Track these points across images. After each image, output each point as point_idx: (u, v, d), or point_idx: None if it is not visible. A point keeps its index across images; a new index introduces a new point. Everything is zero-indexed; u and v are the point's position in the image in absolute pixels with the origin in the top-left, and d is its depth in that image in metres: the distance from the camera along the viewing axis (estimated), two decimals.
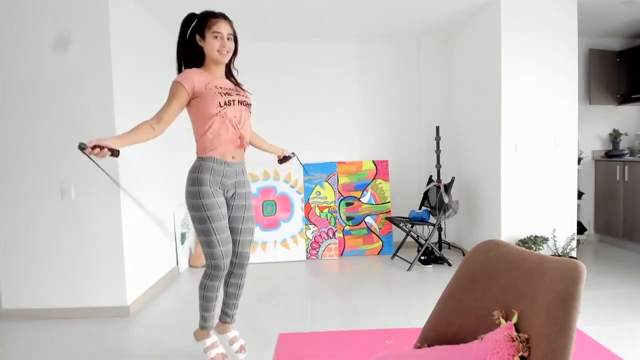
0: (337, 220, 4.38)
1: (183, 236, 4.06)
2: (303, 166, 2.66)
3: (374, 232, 4.44)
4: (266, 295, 3.25)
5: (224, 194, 2.07)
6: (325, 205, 4.39)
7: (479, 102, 3.91)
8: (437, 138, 4.24)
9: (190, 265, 4.16)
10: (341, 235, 4.41)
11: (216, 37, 1.98)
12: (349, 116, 4.57)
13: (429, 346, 1.40)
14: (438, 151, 4.22)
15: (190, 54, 2.06)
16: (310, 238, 4.34)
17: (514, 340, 1.10)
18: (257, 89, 4.53)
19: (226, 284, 2.26)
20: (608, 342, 2.30)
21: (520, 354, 1.08)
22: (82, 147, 1.57)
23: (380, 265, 4.03)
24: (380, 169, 4.50)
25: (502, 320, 1.19)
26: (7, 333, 2.69)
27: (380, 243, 4.43)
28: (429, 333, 1.43)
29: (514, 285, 1.25)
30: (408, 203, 4.57)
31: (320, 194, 4.41)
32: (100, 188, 2.84)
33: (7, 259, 2.88)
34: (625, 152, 4.54)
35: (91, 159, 1.62)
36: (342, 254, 4.40)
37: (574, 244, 3.53)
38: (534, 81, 3.47)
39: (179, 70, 2.08)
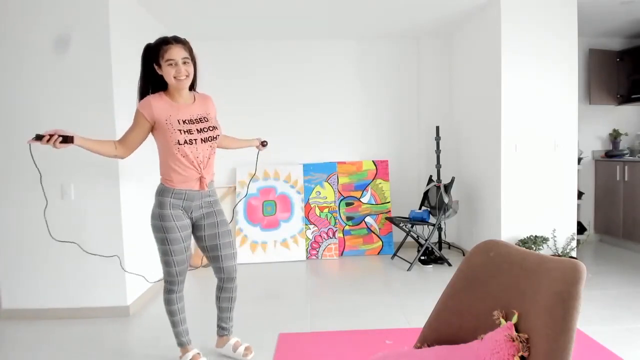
0: (337, 220, 4.38)
1: None
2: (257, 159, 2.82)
3: (374, 232, 4.44)
4: (266, 295, 3.25)
5: (189, 215, 2.08)
6: (325, 205, 4.39)
7: (479, 102, 3.91)
8: (437, 138, 4.24)
9: (190, 265, 4.16)
10: (341, 235, 4.41)
11: (170, 64, 1.93)
12: (349, 116, 4.57)
13: (429, 346, 1.40)
14: (438, 151, 4.22)
15: (155, 83, 2.04)
16: (311, 238, 4.34)
17: (514, 340, 1.10)
18: (257, 89, 4.56)
19: (218, 299, 2.27)
20: (608, 342, 2.30)
21: (520, 354, 1.08)
22: (38, 138, 1.70)
23: (380, 265, 4.03)
24: (380, 169, 4.50)
25: (502, 320, 1.19)
26: (7, 333, 2.69)
27: (380, 243, 4.43)
28: (429, 333, 1.43)
29: (514, 285, 1.25)
30: (408, 203, 4.57)
31: (320, 194, 4.41)
32: (100, 188, 2.84)
33: (7, 259, 2.88)
34: (625, 152, 4.54)
35: (30, 152, 1.83)
36: (342, 254, 4.40)
37: (574, 244, 3.53)
38: (534, 81, 3.47)
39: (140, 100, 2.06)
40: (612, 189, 4.45)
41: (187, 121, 2.00)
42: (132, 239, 3.02)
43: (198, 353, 2.20)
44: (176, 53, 1.93)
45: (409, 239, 4.26)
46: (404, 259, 4.09)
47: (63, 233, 2.86)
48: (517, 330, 1.13)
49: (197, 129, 2.02)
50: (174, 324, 2.17)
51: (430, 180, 4.23)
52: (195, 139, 2.00)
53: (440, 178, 4.20)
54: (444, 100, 4.60)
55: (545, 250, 3.47)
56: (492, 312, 1.25)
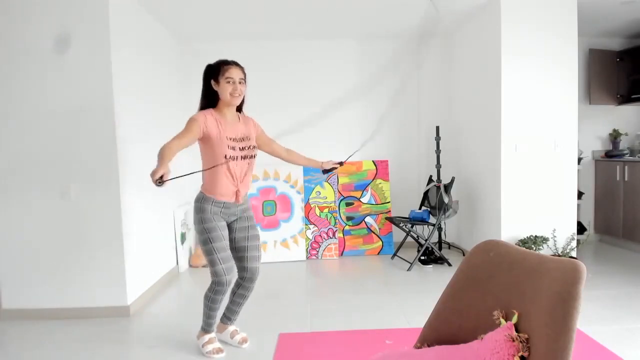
0: (337, 220, 4.38)
1: (183, 236, 4.06)
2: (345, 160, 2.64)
3: (374, 232, 4.44)
4: (266, 295, 3.25)
5: (225, 219, 2.28)
6: (325, 205, 4.39)
7: (479, 102, 3.91)
8: (437, 138, 4.24)
9: (190, 265, 4.16)
10: (341, 235, 4.41)
11: (229, 82, 2.16)
12: (349, 116, 4.57)
13: (429, 346, 1.40)
14: (438, 151, 4.22)
15: (207, 97, 2.24)
16: (311, 238, 4.34)
17: (514, 340, 1.10)
18: (256, 89, 4.54)
19: (233, 293, 2.41)
20: (608, 342, 2.30)
21: (520, 354, 1.08)
22: (159, 184, 1.83)
23: (380, 265, 4.03)
24: (380, 169, 4.50)
25: (502, 320, 1.19)
26: (7, 333, 2.69)
27: (380, 243, 4.43)
28: (429, 333, 1.44)
29: (514, 285, 1.25)
30: (408, 203, 4.57)
31: (320, 194, 4.41)
32: (100, 188, 2.84)
33: (7, 259, 2.88)
34: (625, 152, 4.54)
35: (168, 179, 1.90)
36: (342, 254, 4.40)
37: (574, 244, 3.53)
38: (533, 81, 3.47)
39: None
40: (612, 189, 4.45)
41: (232, 139, 2.20)
42: (132, 238, 3.02)
43: (214, 337, 2.35)
44: (235, 73, 2.17)
45: (409, 239, 4.26)
46: (404, 259, 4.09)
47: (63, 233, 2.86)
48: (517, 330, 1.13)
49: (239, 147, 2.23)
50: (209, 317, 2.32)
51: (430, 180, 4.23)
52: (237, 156, 2.21)
53: (440, 178, 4.20)
54: (444, 100, 4.60)
55: (545, 250, 3.47)
56: (492, 312, 1.25)
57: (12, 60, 2.79)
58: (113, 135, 2.82)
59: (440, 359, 1.23)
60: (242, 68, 2.22)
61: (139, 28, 3.31)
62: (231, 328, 2.46)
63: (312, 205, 4.38)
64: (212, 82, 2.19)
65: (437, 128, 4.25)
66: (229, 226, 2.31)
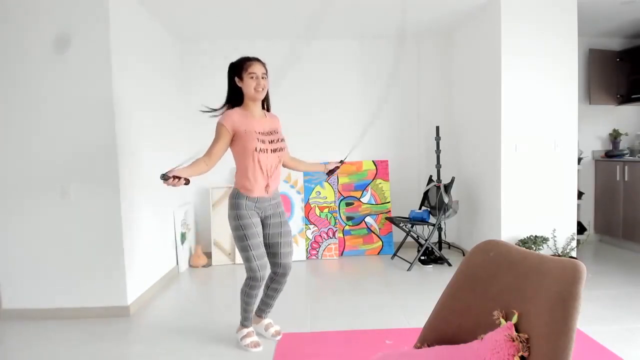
0: (337, 220, 4.38)
1: (183, 236, 4.06)
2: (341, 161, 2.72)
3: (374, 232, 4.44)
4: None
5: (259, 215, 2.33)
6: (325, 205, 4.39)
7: (479, 102, 3.91)
8: (437, 138, 4.24)
9: (190, 265, 4.16)
10: (341, 235, 4.41)
11: (252, 77, 2.22)
12: (349, 116, 4.57)
13: (429, 346, 1.40)
14: (438, 151, 4.22)
15: (231, 95, 2.33)
16: (311, 238, 4.34)
17: (514, 340, 1.10)
18: None
19: (267, 287, 2.49)
20: (608, 342, 2.30)
21: (520, 354, 1.08)
22: (164, 178, 1.85)
23: (380, 265, 4.03)
24: (380, 169, 4.50)
25: (502, 320, 1.19)
26: (7, 333, 2.69)
27: (380, 243, 4.43)
28: (429, 333, 1.44)
29: (514, 285, 1.25)
30: (408, 203, 4.57)
31: (320, 194, 4.41)
32: (100, 188, 2.84)
33: (7, 259, 2.88)
34: (625, 152, 4.54)
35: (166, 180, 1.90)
36: (342, 254, 4.40)
37: (574, 244, 3.53)
38: (534, 81, 3.47)
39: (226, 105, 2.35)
40: (612, 189, 4.45)
41: (261, 132, 2.26)
42: (132, 238, 3.02)
43: (252, 331, 2.44)
44: (258, 68, 2.24)
45: (409, 239, 4.26)
46: (404, 259, 4.09)
47: (63, 233, 2.86)
48: (517, 330, 1.13)
49: (269, 140, 2.28)
50: (246, 311, 2.40)
51: (430, 180, 4.23)
52: (267, 149, 2.26)
53: (440, 178, 4.20)
54: (444, 100, 4.60)
55: (545, 250, 3.47)
56: (492, 312, 1.25)
57: (11, 60, 2.78)
58: (113, 135, 2.82)
59: (440, 359, 1.23)
60: (263, 64, 2.30)
61: (138, 28, 3.30)
62: (266, 321, 2.55)
63: (312, 205, 4.38)
64: (236, 79, 2.26)
65: (437, 128, 4.25)
66: (263, 222, 2.36)
